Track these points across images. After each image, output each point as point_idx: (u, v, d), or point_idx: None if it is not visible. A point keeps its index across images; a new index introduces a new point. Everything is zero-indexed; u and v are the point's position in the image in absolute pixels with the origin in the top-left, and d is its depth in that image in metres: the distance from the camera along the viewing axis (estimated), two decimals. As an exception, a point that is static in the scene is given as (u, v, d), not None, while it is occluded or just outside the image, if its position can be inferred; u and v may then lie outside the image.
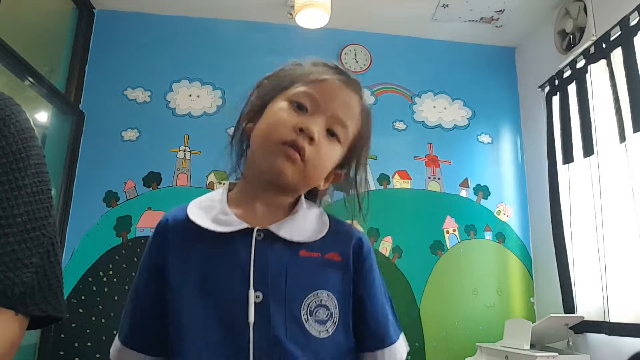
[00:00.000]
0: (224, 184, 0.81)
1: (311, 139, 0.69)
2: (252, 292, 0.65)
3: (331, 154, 0.73)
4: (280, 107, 0.71)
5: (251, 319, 0.64)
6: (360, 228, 0.77)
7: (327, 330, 0.67)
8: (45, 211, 0.59)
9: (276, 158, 0.68)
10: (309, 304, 0.67)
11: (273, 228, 0.69)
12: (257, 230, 0.69)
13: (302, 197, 0.76)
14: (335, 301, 0.69)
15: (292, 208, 0.74)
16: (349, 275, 0.71)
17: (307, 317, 0.66)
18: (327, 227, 0.73)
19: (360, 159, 0.79)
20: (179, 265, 0.69)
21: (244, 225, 0.69)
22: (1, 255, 0.53)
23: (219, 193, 0.75)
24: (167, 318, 0.69)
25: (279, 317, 0.65)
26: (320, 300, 0.68)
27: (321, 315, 0.67)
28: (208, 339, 0.65)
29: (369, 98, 3.10)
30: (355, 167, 0.79)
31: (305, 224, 0.72)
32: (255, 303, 0.65)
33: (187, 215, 0.71)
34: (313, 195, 0.80)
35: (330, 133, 0.72)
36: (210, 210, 0.71)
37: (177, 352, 0.68)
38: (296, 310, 0.66)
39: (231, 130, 0.80)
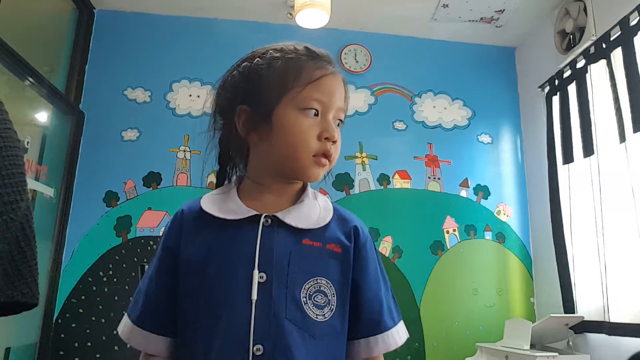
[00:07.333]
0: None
1: (334, 142, 0.76)
2: (256, 272, 0.70)
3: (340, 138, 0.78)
4: (296, 119, 0.74)
5: (254, 296, 0.68)
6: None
7: (324, 315, 0.71)
8: (16, 195, 0.56)
9: (310, 168, 0.75)
10: (308, 288, 0.71)
11: (280, 215, 0.74)
12: (265, 216, 0.73)
13: (309, 186, 0.81)
14: (334, 289, 0.73)
15: (299, 196, 0.79)
16: (348, 265, 0.75)
17: (306, 300, 0.70)
18: (331, 215, 0.77)
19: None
20: (189, 249, 0.74)
21: (252, 212, 0.73)
22: None
23: (230, 187, 0.80)
24: (177, 300, 0.74)
25: (280, 297, 0.69)
26: (319, 287, 0.72)
27: (319, 300, 0.71)
28: (211, 316, 0.69)
29: (369, 98, 3.10)
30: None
31: (310, 212, 0.76)
32: (258, 283, 0.69)
33: (200, 205, 0.76)
34: None
35: (339, 121, 0.79)
36: (222, 202, 0.76)
37: (183, 331, 0.72)
38: (297, 293, 0.70)
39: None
